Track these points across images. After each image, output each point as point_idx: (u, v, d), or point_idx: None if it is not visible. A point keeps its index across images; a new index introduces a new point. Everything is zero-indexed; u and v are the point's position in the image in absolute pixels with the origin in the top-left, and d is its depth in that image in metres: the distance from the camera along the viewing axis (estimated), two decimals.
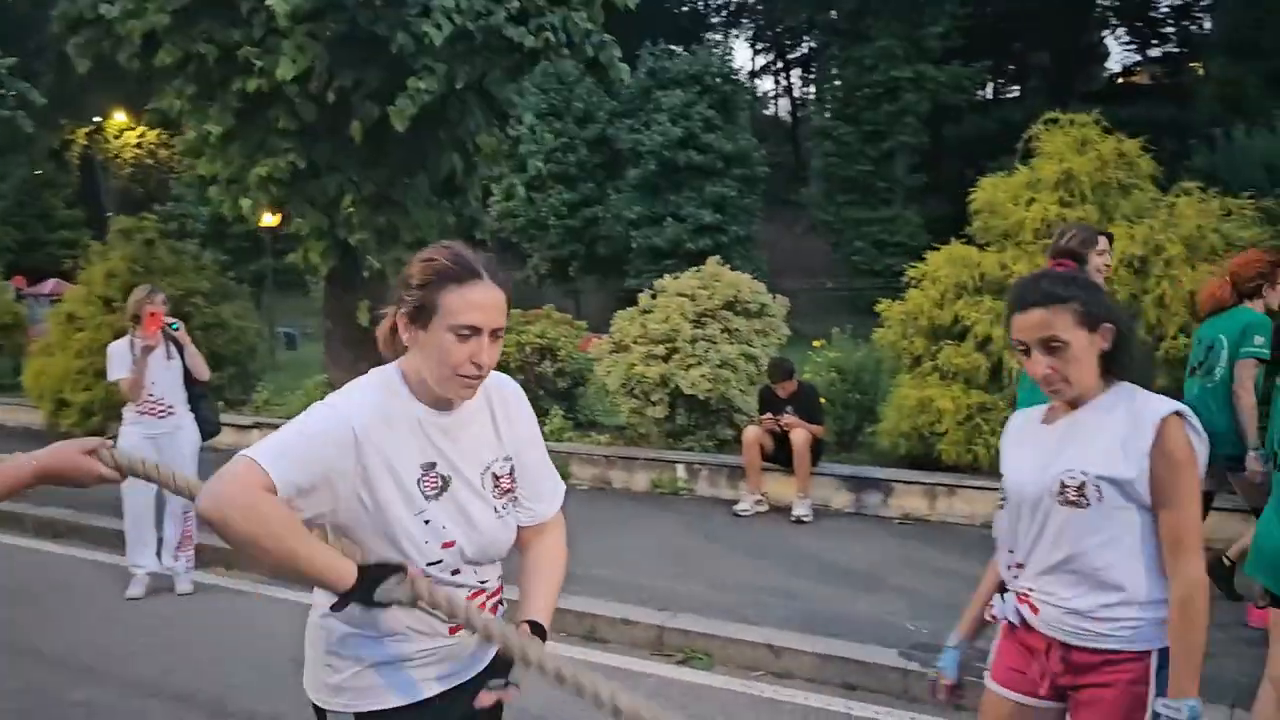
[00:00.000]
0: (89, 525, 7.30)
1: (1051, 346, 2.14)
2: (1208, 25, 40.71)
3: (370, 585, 1.69)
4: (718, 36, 43.04)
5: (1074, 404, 2.21)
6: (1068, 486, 2.13)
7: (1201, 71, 41.15)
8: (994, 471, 7.06)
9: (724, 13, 40.72)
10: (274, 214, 10.52)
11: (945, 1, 28.30)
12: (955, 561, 6.19)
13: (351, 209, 9.40)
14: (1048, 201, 6.79)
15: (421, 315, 1.79)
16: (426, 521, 1.83)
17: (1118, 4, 43.73)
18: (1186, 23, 43.46)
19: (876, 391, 8.37)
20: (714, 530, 7.13)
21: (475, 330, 1.77)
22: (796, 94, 45.75)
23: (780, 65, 44.48)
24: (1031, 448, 2.28)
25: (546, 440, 9.47)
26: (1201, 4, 41.42)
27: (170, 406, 5.85)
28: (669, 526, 7.21)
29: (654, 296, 8.85)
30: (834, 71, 28.86)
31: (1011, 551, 2.31)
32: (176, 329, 5.87)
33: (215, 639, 5.41)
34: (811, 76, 43.36)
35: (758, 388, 8.41)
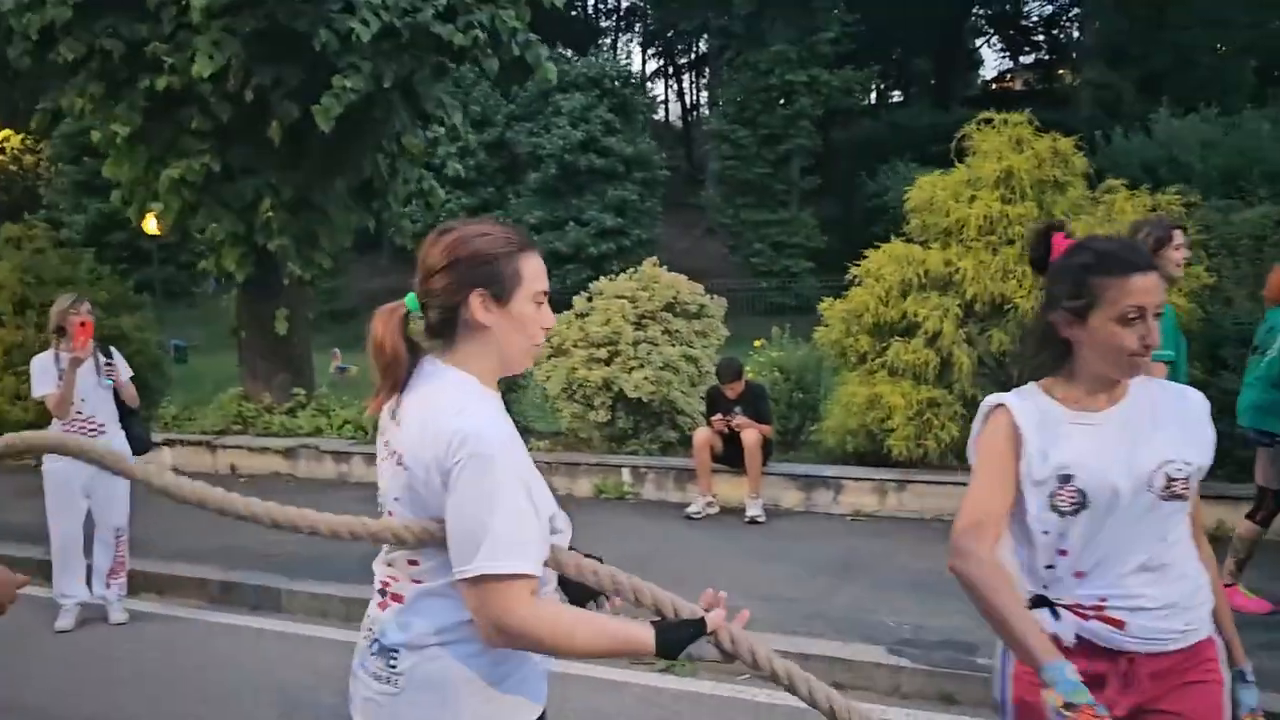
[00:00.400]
0: (7, 556, 6.78)
1: (1157, 314, 1.96)
2: (1076, 34, 42.72)
3: (675, 648, 1.71)
4: (608, 41, 43.09)
5: (1112, 385, 2.02)
6: (1175, 479, 1.99)
7: (1070, 78, 43.19)
8: (943, 465, 7.23)
9: (614, 17, 40.82)
10: (160, 221, 9.97)
11: (835, 7, 28.87)
12: (913, 556, 6.24)
13: (270, 213, 9.00)
14: (989, 199, 6.92)
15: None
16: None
17: (990, 13, 45.41)
18: (1056, 31, 45.50)
19: (819, 390, 8.41)
20: (668, 534, 7.05)
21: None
22: (689, 98, 46.22)
23: (671, 70, 44.79)
24: (1092, 440, 2.00)
25: None
26: (1069, 15, 43.38)
27: (101, 425, 5.46)
28: (621, 532, 7.09)
29: (590, 299, 8.73)
30: (729, 75, 29.11)
31: (1063, 553, 2.01)
32: (110, 381, 5.51)
33: (160, 670, 5.08)
34: (704, 81, 43.80)
35: (699, 389, 8.38)
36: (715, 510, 7.44)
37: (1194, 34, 26.17)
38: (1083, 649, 1.98)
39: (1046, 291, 2.04)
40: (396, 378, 1.77)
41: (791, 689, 1.72)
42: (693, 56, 43.30)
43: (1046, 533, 2.00)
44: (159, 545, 6.73)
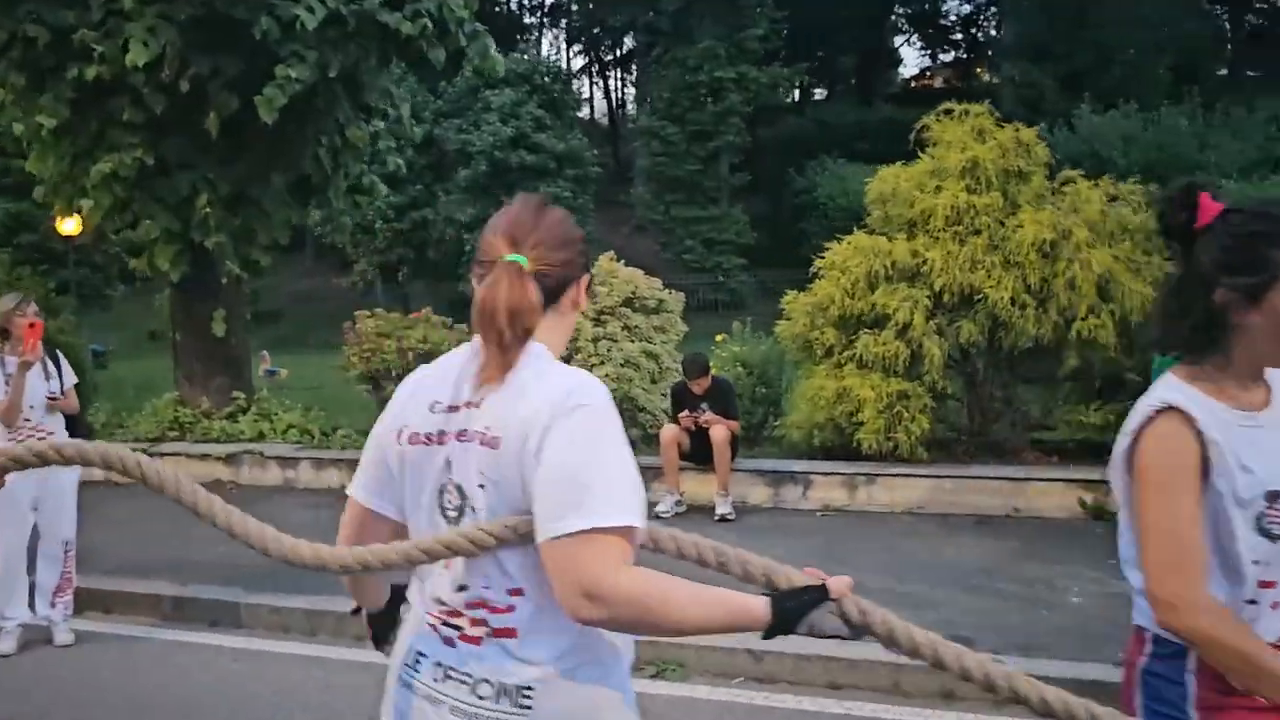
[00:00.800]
0: None
1: None
2: (995, 32, 43.72)
3: (792, 618, 1.51)
4: (532, 37, 42.71)
5: (1259, 379, 1.78)
6: None
7: (988, 75, 44.17)
8: (913, 458, 7.19)
9: (539, 13, 40.47)
10: (88, 218, 9.49)
11: (762, 5, 29.00)
12: (888, 550, 6.19)
13: (207, 209, 8.60)
14: (955, 189, 6.90)
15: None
16: None
17: (910, 12, 46.23)
18: (973, 30, 46.53)
19: (781, 385, 8.33)
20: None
21: None
22: (616, 95, 46.10)
23: (596, 67, 44.64)
24: (1268, 445, 1.72)
25: None
26: (986, 14, 44.40)
27: (50, 432, 5.10)
28: None
29: None
30: (659, 72, 29.07)
31: (1268, 585, 1.72)
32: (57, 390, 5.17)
33: (113, 693, 4.76)
34: (630, 78, 43.71)
35: (660, 386, 8.23)
36: (684, 509, 7.30)
37: (1112, 33, 26.89)
38: None
39: (1200, 262, 1.72)
40: (518, 349, 1.57)
41: (938, 663, 1.53)
42: (619, 54, 43.21)
43: (1256, 562, 1.69)
44: (103, 559, 6.34)
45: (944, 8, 46.46)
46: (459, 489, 1.59)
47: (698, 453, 7.22)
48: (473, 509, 1.58)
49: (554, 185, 24.81)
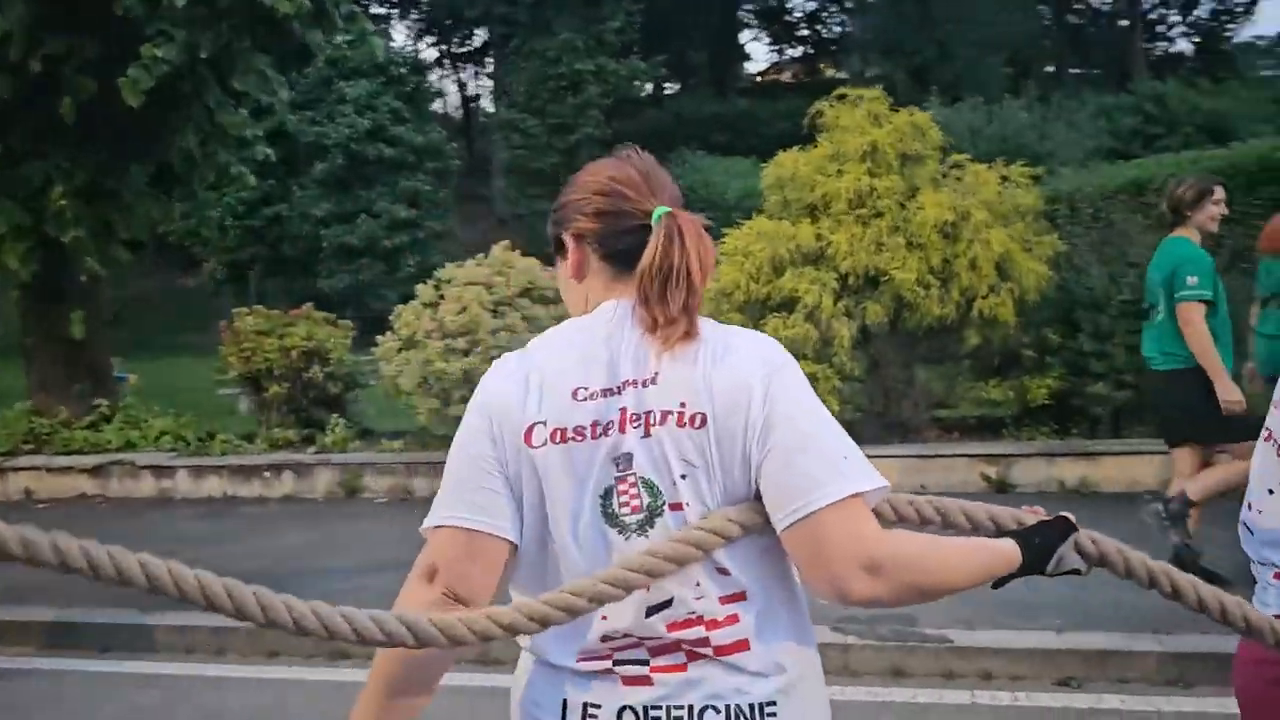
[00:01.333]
0: None
1: None
2: (841, 28, 45.02)
3: (1044, 555, 1.38)
4: (382, 28, 41.47)
5: None
6: None
7: (835, 70, 45.48)
8: None
9: (388, 4, 39.40)
10: None
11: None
12: None
13: (62, 202, 7.94)
14: (857, 172, 6.97)
15: None
16: None
17: (757, 8, 47.12)
18: (818, 27, 47.78)
19: None
20: None
21: None
22: (469, 88, 45.34)
23: (449, 59, 43.77)
24: None
25: (329, 452, 8.56)
26: (829, 10, 45.64)
27: None
28: None
29: (438, 287, 8.23)
30: (518, 64, 28.66)
31: None
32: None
33: None
34: (485, 70, 43.01)
35: None
36: None
37: (953, 30, 28.00)
38: None
39: None
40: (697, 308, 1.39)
41: (1176, 594, 1.45)
42: (472, 46, 42.54)
43: None
44: None
45: (789, 4, 47.57)
46: (646, 485, 1.34)
47: None
48: (669, 506, 1.34)
49: (414, 179, 24.14)
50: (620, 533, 1.34)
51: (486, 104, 42.88)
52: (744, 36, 49.04)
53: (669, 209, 1.42)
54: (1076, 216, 7.49)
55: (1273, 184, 9.59)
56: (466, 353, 7.67)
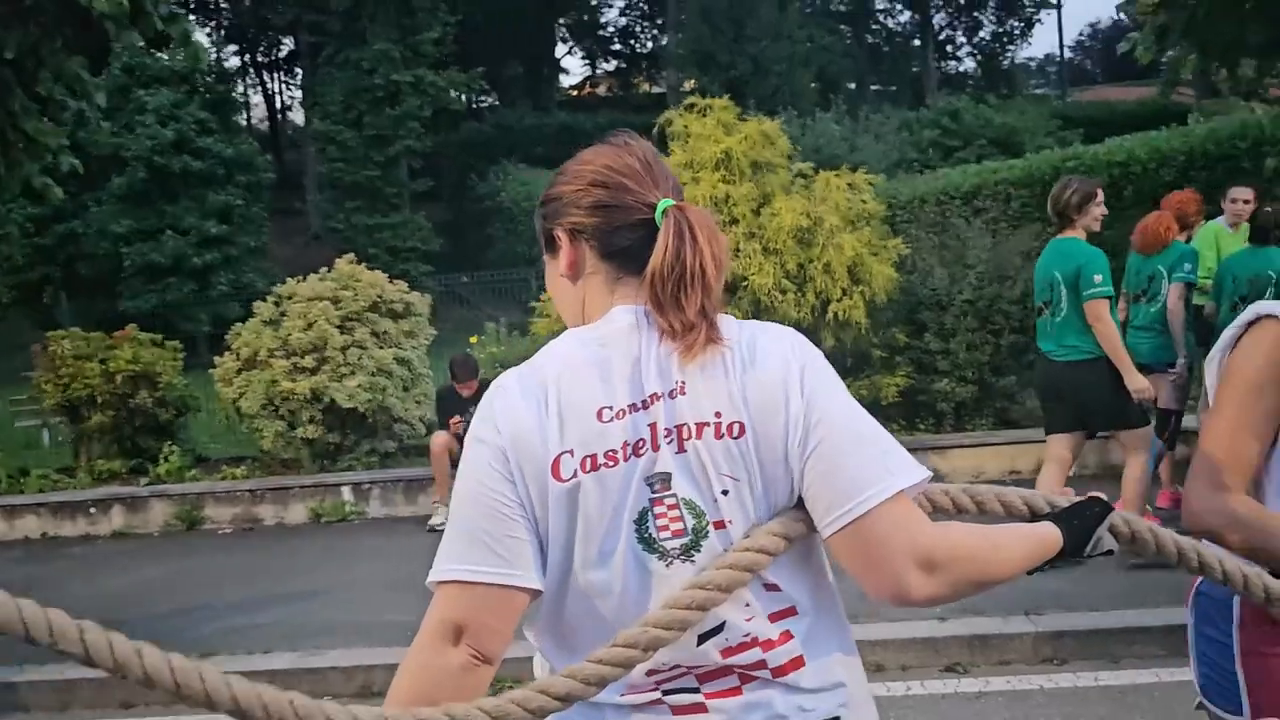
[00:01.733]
0: None
1: None
2: (650, 44, 45.94)
3: (1084, 536, 1.36)
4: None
5: None
6: None
7: (649, 84, 46.31)
8: None
9: (187, 9, 37.24)
10: None
11: (437, 9, 28.51)
12: None
13: None
14: (713, 180, 7.06)
15: None
16: None
17: (571, 23, 47.47)
18: (632, 41, 48.60)
19: None
20: (413, 551, 6.43)
21: None
22: (278, 99, 43.52)
23: (254, 69, 41.89)
24: None
25: (164, 483, 8.00)
26: (643, 25, 46.54)
27: None
28: (357, 555, 6.42)
29: (278, 303, 7.83)
30: (333, 74, 27.71)
31: None
32: None
33: None
34: (295, 80, 41.41)
35: (414, 393, 7.82)
36: None
37: (766, 46, 28.95)
38: None
39: None
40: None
41: (1203, 569, 1.45)
42: (279, 55, 40.87)
43: None
44: None
45: (603, 19, 48.16)
46: (689, 506, 1.24)
47: None
48: (713, 525, 1.24)
49: (224, 193, 22.94)
50: (661, 559, 1.23)
51: (297, 116, 41.36)
52: (560, 50, 49.48)
53: (674, 201, 1.31)
54: (917, 222, 7.84)
55: None
56: (314, 370, 7.32)
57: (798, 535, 1.26)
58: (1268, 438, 1.59)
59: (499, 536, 1.22)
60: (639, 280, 1.30)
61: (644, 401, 1.24)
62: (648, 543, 1.23)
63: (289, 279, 8.03)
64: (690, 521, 1.23)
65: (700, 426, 1.23)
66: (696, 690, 1.26)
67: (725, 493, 1.23)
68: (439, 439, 6.81)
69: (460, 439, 6.86)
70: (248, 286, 21.52)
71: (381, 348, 7.62)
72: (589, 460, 1.22)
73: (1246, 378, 1.59)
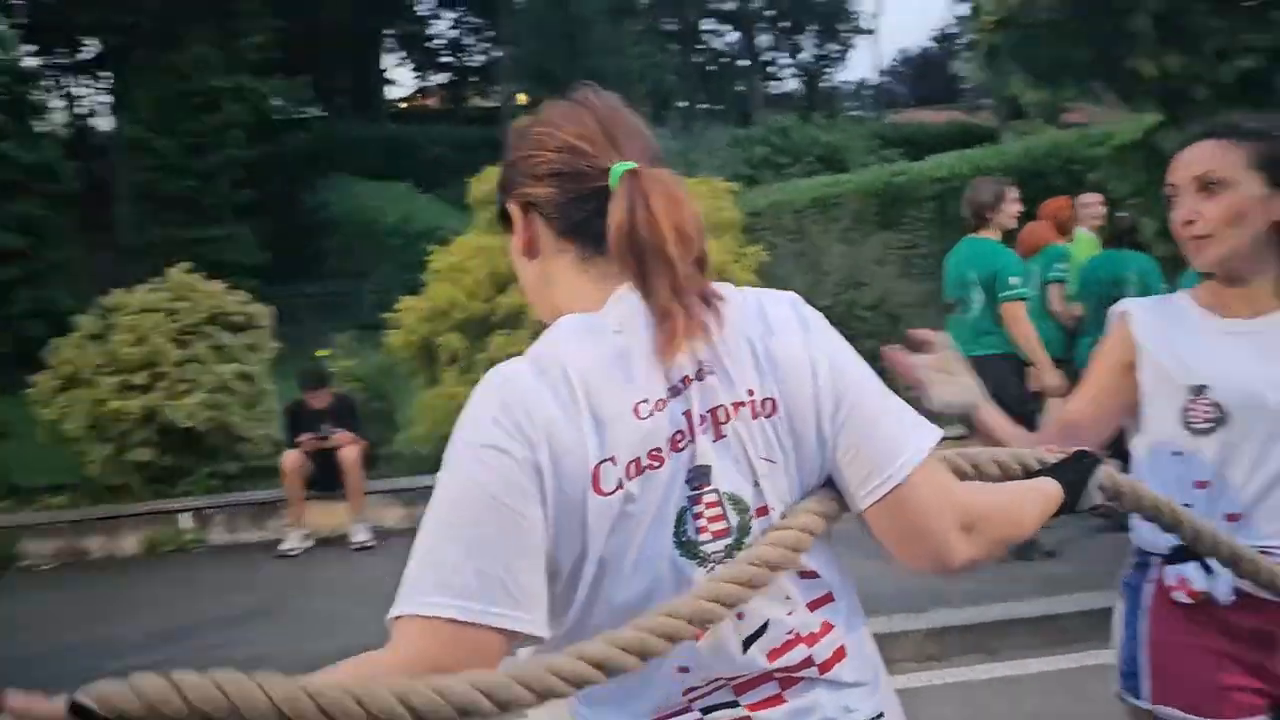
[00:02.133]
0: None
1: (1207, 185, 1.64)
2: (480, 57, 45.54)
3: (1080, 490, 1.37)
4: None
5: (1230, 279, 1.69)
6: None
7: (481, 97, 45.85)
8: None
9: None
10: None
11: (261, 15, 27.36)
12: None
13: None
14: None
15: None
16: None
17: (399, 34, 46.54)
18: (461, 54, 47.98)
19: (396, 398, 7.80)
20: (269, 580, 6.05)
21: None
22: (83, 103, 40.66)
23: (54, 69, 39.04)
24: (1233, 347, 1.67)
25: None
26: (474, 38, 46.09)
27: None
28: (204, 588, 5.95)
29: (104, 316, 7.21)
30: (146, 79, 26.13)
31: (1205, 485, 1.65)
32: None
33: None
34: (101, 84, 38.77)
35: (257, 410, 7.35)
36: (312, 543, 6.55)
37: (600, 60, 29.15)
38: (1245, 604, 1.63)
39: None
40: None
41: (1195, 541, 1.47)
42: (82, 57, 38.18)
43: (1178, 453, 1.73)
44: None
45: (430, 31, 47.39)
46: (732, 501, 1.10)
47: (322, 478, 6.53)
48: (754, 515, 1.11)
49: (25, 203, 21.25)
50: (702, 565, 1.09)
51: (102, 121, 38.75)
52: (389, 61, 48.40)
53: (633, 165, 1.13)
54: (776, 230, 7.94)
55: (894, 205, 11.08)
56: (147, 388, 6.76)
57: (833, 512, 1.17)
58: (1108, 407, 1.79)
59: (515, 570, 1.02)
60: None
61: (677, 385, 1.09)
62: (687, 547, 1.09)
63: (114, 290, 7.41)
64: (734, 519, 1.11)
65: (737, 405, 1.11)
66: (736, 704, 1.13)
67: (764, 477, 1.12)
68: (290, 458, 6.40)
69: (312, 456, 6.48)
70: (53, 303, 20.03)
71: (222, 363, 7.12)
72: (633, 465, 1.06)
73: (1101, 355, 1.83)
